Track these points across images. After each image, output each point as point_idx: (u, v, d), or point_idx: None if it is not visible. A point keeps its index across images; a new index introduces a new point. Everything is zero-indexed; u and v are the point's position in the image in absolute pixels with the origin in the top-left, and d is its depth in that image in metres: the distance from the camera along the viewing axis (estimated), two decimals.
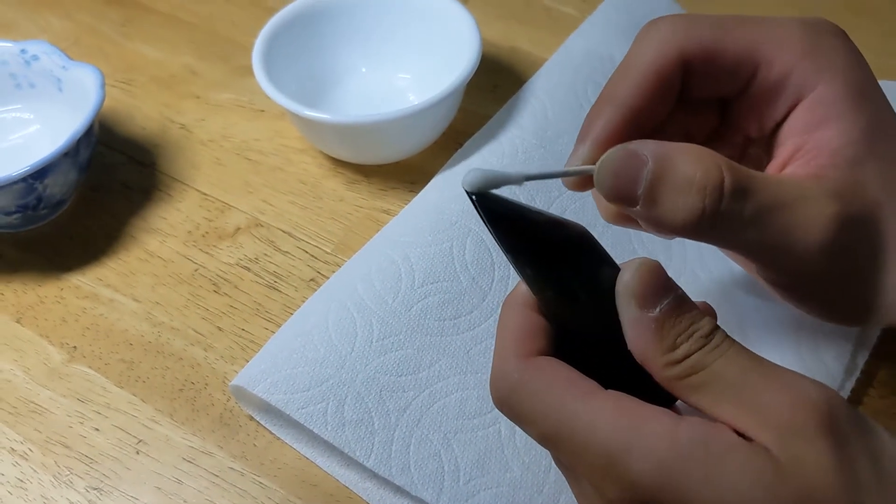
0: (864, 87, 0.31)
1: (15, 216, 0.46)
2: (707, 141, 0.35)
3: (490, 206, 0.27)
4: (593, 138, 0.31)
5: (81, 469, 0.39)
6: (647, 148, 0.28)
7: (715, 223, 0.28)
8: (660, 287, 0.27)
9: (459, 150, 0.47)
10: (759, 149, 0.34)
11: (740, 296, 0.40)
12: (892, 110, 0.32)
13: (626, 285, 0.27)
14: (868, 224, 0.30)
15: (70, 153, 0.45)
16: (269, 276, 0.46)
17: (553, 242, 0.28)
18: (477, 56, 0.47)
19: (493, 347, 0.38)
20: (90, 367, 0.42)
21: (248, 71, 0.53)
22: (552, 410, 0.27)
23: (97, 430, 0.40)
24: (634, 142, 0.29)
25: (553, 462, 0.36)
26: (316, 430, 0.37)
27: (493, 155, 0.46)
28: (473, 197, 0.27)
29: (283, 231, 0.48)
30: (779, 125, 0.32)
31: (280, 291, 0.45)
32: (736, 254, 0.35)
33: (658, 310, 0.27)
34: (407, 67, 0.54)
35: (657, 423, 0.25)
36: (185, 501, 0.37)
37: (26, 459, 0.39)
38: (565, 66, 0.50)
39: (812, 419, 0.25)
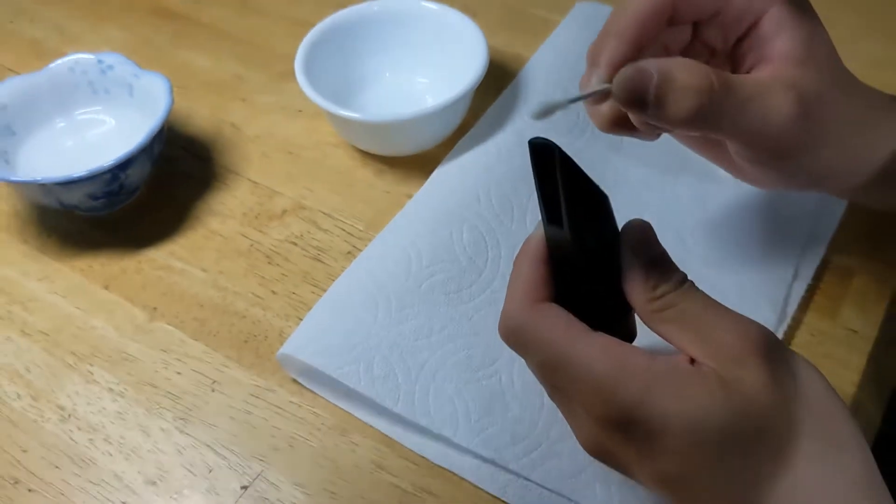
0: (802, 6, 0.40)
1: (100, 201, 0.55)
2: (681, 53, 0.43)
3: (555, 157, 0.34)
4: (606, 63, 0.39)
5: (168, 404, 0.48)
6: (652, 65, 0.36)
7: (708, 115, 0.37)
8: (649, 242, 0.36)
9: (450, 152, 0.57)
10: (720, 60, 0.43)
11: (697, 267, 0.50)
12: (821, 22, 0.40)
13: (627, 237, 0.36)
14: (814, 106, 0.38)
15: (147, 148, 0.54)
16: (313, 249, 0.55)
17: (592, 194, 0.35)
18: (484, 63, 0.56)
19: (490, 314, 0.47)
20: (169, 324, 0.51)
21: (287, 76, 0.62)
22: (554, 344, 0.35)
23: (179, 373, 0.49)
24: (641, 61, 0.37)
25: (546, 399, 0.44)
26: (352, 386, 0.45)
27: (477, 154, 0.55)
28: (549, 153, 0.34)
29: (323, 213, 0.57)
30: (738, 41, 0.41)
31: (323, 262, 0.54)
32: (718, 149, 0.44)
33: (646, 258, 0.35)
34: (425, 73, 0.63)
35: (638, 356, 0.34)
36: (254, 427, 0.46)
37: (123, 397, 0.48)
38: (543, 64, 0.61)
39: (751, 350, 0.33)
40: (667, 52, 0.43)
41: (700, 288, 0.36)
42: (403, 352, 0.46)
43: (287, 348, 0.47)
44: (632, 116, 0.40)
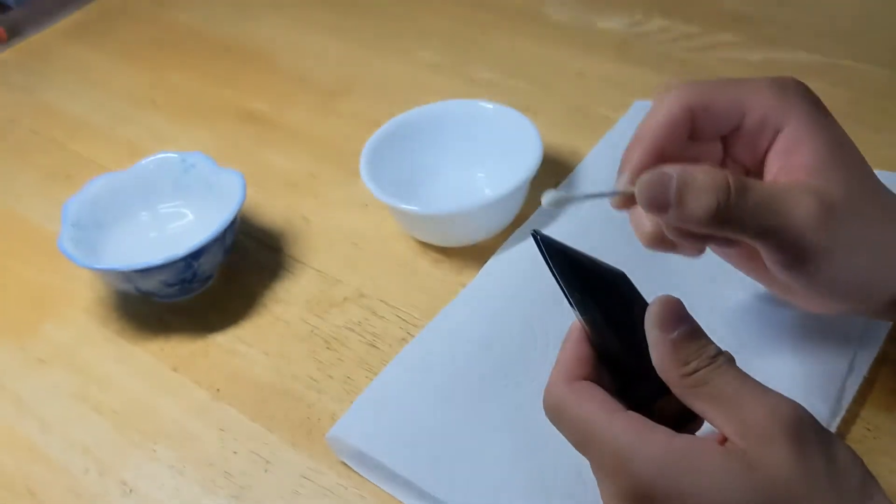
0: (821, 120, 0.41)
1: (174, 288, 0.58)
2: None
3: (553, 247, 0.37)
4: (631, 168, 0.41)
5: (223, 482, 0.50)
6: (673, 168, 0.38)
7: (727, 214, 0.37)
8: (678, 317, 0.36)
9: (504, 243, 0.59)
10: (752, 176, 0.43)
11: (749, 357, 0.49)
12: (845, 133, 0.41)
13: (652, 314, 0.36)
14: (837, 211, 0.38)
15: (219, 239, 0.57)
16: (369, 336, 0.57)
17: (599, 274, 0.37)
18: (538, 158, 0.58)
19: (537, 404, 0.48)
20: (230, 405, 0.54)
21: (357, 173, 0.65)
22: (586, 422, 0.36)
23: (235, 452, 0.51)
24: (662, 165, 0.38)
25: (590, 488, 0.44)
26: (397, 471, 0.46)
27: (529, 245, 0.56)
28: (541, 243, 0.37)
29: (381, 301, 0.59)
30: (765, 155, 0.42)
31: (378, 349, 0.56)
32: (743, 253, 0.44)
33: (676, 333, 0.35)
34: (483, 167, 0.65)
35: (658, 435, 0.34)
36: None
37: (182, 475, 0.50)
38: (599, 159, 0.63)
39: (780, 428, 0.33)
40: None
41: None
42: (449, 438, 0.47)
43: (336, 430, 0.48)
44: (662, 224, 0.41)
